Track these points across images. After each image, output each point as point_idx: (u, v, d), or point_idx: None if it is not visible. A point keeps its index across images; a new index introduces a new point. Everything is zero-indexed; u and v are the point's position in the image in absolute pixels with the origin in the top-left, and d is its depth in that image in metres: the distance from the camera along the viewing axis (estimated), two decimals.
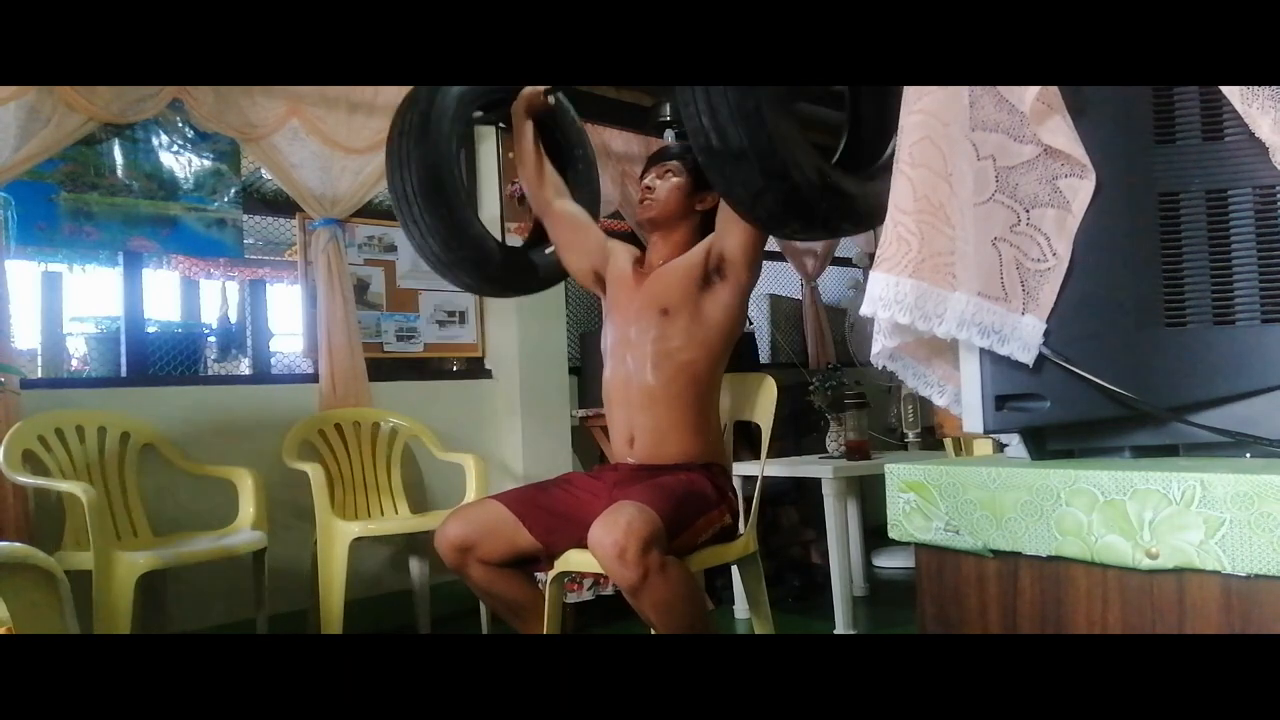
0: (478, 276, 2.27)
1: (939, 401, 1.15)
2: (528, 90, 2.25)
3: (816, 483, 3.01)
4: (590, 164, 2.51)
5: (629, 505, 1.74)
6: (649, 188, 2.14)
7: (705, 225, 2.14)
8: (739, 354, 2.20)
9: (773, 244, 3.75)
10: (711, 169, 1.55)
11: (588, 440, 3.78)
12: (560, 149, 2.39)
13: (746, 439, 3.20)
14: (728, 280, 2.04)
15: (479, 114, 2.36)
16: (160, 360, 3.95)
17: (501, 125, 3.66)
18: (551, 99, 2.29)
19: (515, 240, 3.69)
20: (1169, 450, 1.02)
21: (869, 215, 1.68)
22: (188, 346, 4.30)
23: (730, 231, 1.98)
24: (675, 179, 2.12)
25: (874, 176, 1.73)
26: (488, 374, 3.76)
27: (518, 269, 2.37)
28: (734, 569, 2.66)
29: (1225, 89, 0.91)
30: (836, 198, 1.58)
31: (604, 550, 1.69)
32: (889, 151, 1.81)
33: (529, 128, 2.27)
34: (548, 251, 2.37)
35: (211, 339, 4.92)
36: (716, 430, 2.14)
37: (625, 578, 1.68)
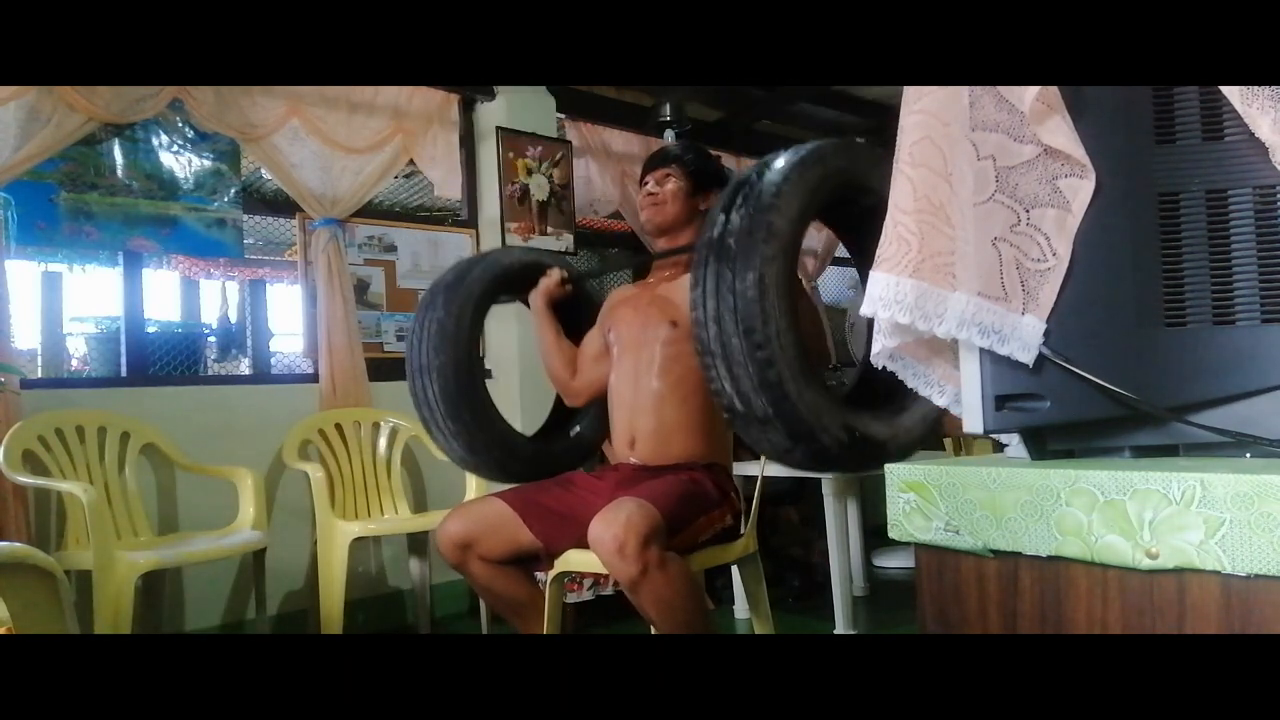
0: (500, 473, 2.28)
1: (939, 401, 1.15)
2: (544, 283, 2.26)
3: (816, 483, 3.01)
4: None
5: (629, 501, 1.74)
6: (651, 193, 2.15)
7: None
8: None
9: None
10: (738, 428, 1.54)
11: None
12: (581, 314, 2.39)
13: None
14: None
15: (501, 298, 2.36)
16: (160, 360, 3.95)
17: (503, 126, 3.69)
18: (569, 286, 2.29)
19: (515, 240, 3.70)
20: (1169, 450, 1.02)
21: (904, 450, 1.62)
22: (188, 346, 4.31)
23: None
24: (676, 183, 2.13)
25: (902, 412, 1.64)
26: (488, 374, 3.76)
27: (539, 459, 2.35)
28: (734, 569, 2.66)
29: (1225, 89, 0.91)
30: (867, 447, 1.53)
31: (604, 545, 1.69)
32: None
33: (549, 318, 2.27)
34: (573, 434, 2.41)
35: (211, 339, 4.92)
36: (721, 433, 2.14)
37: (624, 572, 1.69)
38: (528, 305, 2.31)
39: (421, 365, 2.07)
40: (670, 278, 2.17)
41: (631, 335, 2.13)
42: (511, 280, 2.28)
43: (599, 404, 2.30)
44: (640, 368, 2.09)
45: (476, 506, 2.03)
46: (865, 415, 1.54)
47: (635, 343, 2.12)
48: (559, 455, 2.39)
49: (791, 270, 1.47)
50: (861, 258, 1.90)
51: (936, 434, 3.81)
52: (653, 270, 2.27)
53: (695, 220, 2.14)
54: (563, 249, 3.85)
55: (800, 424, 1.42)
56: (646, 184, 2.17)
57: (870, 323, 1.08)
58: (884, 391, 1.64)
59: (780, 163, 1.49)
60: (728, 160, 4.32)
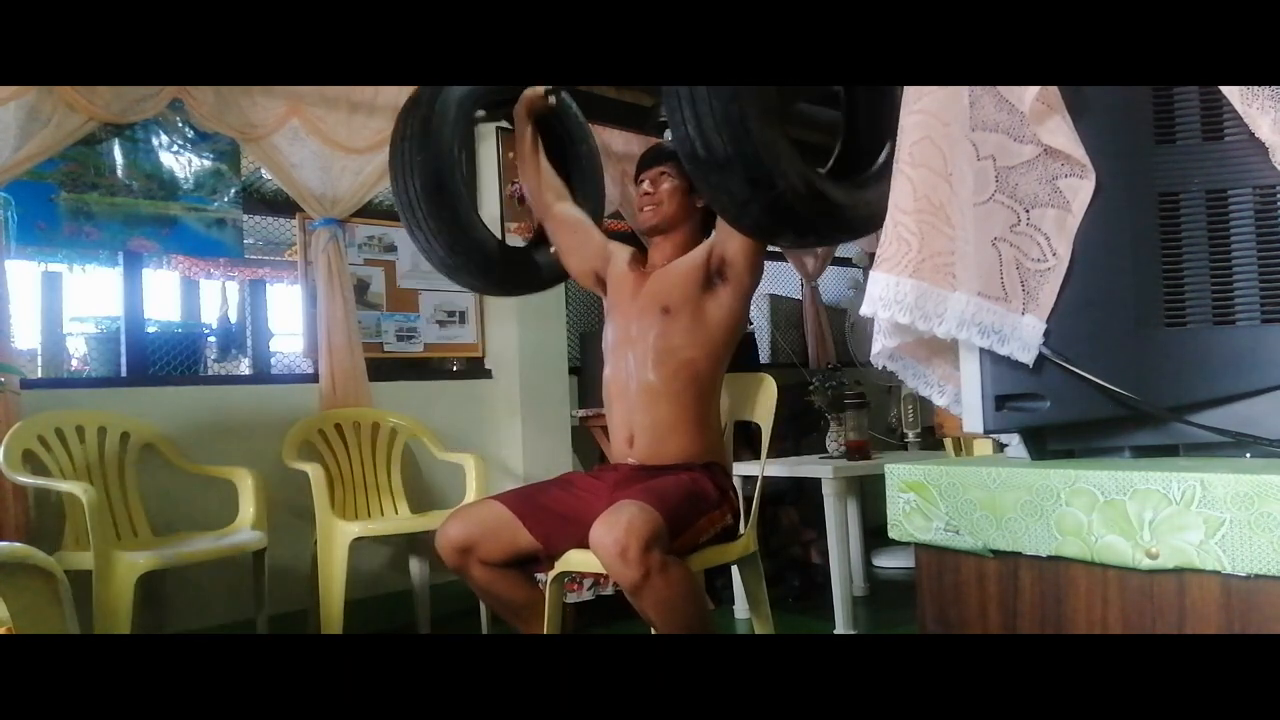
0: (482, 279, 2.29)
1: (939, 401, 1.15)
2: (529, 92, 2.25)
3: (816, 483, 3.01)
4: (595, 164, 2.52)
5: (630, 504, 1.74)
6: (648, 193, 2.14)
7: (706, 221, 2.14)
8: (739, 354, 2.21)
9: None
10: (698, 177, 1.53)
11: (588, 440, 3.78)
12: (564, 148, 2.39)
13: (746, 439, 3.20)
14: (729, 283, 2.04)
15: (481, 114, 2.36)
16: (160, 360, 3.95)
17: (503, 125, 3.69)
18: (553, 99, 2.28)
19: (516, 240, 3.70)
20: (1169, 450, 1.02)
21: (861, 224, 1.64)
22: (188, 346, 4.31)
23: (732, 234, 1.97)
24: (672, 181, 2.12)
25: (866, 185, 1.67)
26: (488, 374, 3.76)
27: (522, 270, 2.37)
28: (734, 569, 2.66)
29: (1225, 89, 0.91)
30: (825, 206, 1.55)
31: (605, 550, 1.69)
32: (882, 159, 1.77)
33: (530, 130, 2.27)
34: (551, 251, 2.38)
35: (211, 339, 4.93)
36: (717, 430, 2.14)
37: (627, 577, 1.68)
38: (511, 123, 2.31)
39: (404, 164, 2.08)
40: (665, 262, 2.15)
41: (626, 326, 2.12)
42: (495, 91, 2.27)
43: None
44: (635, 362, 2.08)
45: (475, 510, 2.03)
46: (827, 179, 1.54)
47: (629, 336, 2.11)
48: (540, 267, 2.39)
49: None
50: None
51: (935, 434, 3.81)
52: (650, 252, 2.25)
53: (691, 218, 2.14)
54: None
55: (759, 166, 1.42)
56: (642, 183, 2.16)
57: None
58: (850, 166, 1.68)
59: None
60: None
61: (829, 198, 1.55)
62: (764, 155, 1.42)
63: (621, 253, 2.26)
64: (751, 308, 3.16)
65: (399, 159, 2.09)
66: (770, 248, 2.21)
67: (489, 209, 3.75)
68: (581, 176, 2.44)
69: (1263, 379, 0.96)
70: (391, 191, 2.13)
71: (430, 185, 2.07)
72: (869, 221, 1.61)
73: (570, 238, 2.28)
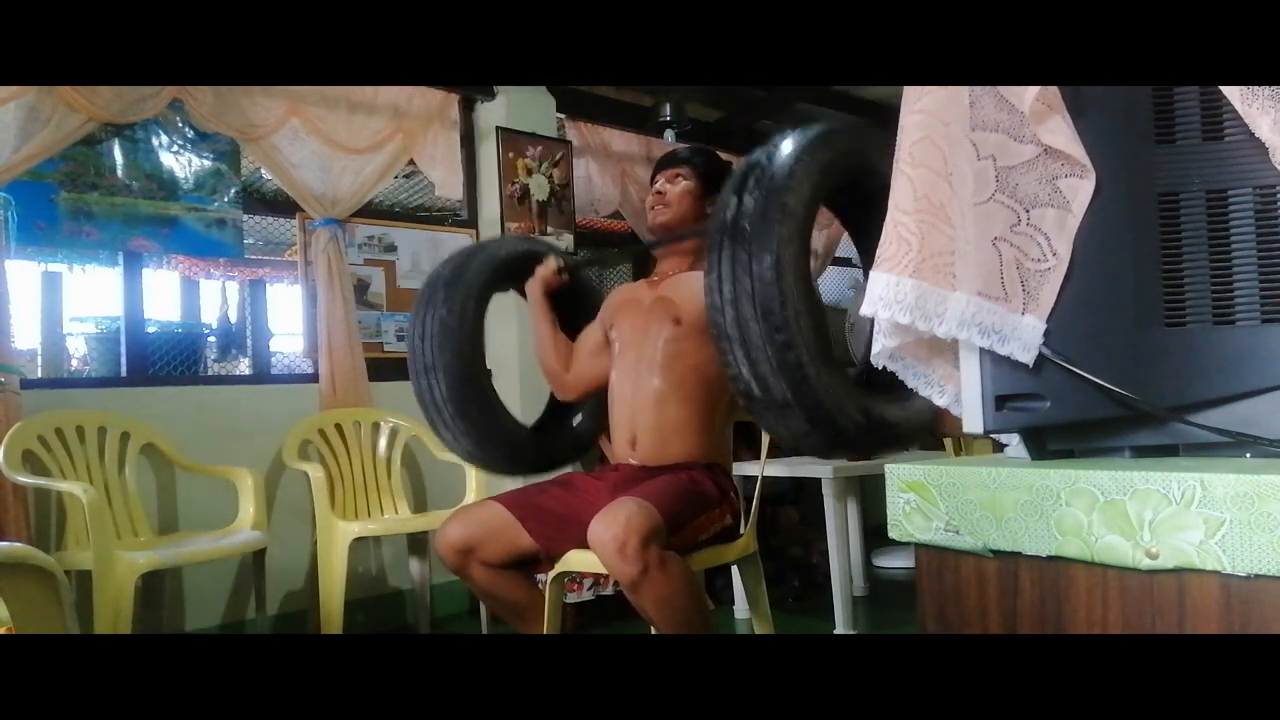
0: (510, 466, 2.29)
1: (939, 401, 1.15)
2: (540, 272, 2.24)
3: (816, 483, 3.01)
4: (590, 284, 2.52)
5: (629, 501, 1.74)
6: (660, 193, 2.15)
7: None
8: None
9: None
10: (754, 413, 1.53)
11: None
12: (577, 307, 2.39)
13: (747, 439, 3.21)
14: None
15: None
16: (160, 360, 3.95)
17: (503, 126, 3.69)
18: (565, 275, 2.28)
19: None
20: (1169, 450, 1.02)
21: (913, 435, 1.64)
22: (188, 346, 4.30)
23: None
24: (685, 183, 2.13)
25: (914, 395, 1.68)
26: (488, 374, 3.75)
27: (548, 452, 2.35)
28: (734, 569, 2.66)
29: (1225, 89, 0.91)
30: (883, 431, 1.54)
31: (604, 545, 1.69)
32: None
33: (546, 309, 2.26)
34: (575, 424, 2.40)
35: (211, 339, 4.92)
36: (721, 432, 2.14)
37: (625, 572, 1.68)
38: (524, 295, 2.30)
39: (426, 364, 2.05)
40: (673, 275, 2.16)
41: (634, 333, 2.13)
42: (508, 271, 2.26)
43: (599, 394, 2.29)
44: (642, 366, 2.09)
45: (475, 511, 2.03)
46: (879, 398, 1.54)
47: (637, 341, 2.12)
48: (564, 446, 2.39)
49: (806, 253, 1.46)
50: (865, 241, 1.91)
51: (936, 433, 3.82)
52: (655, 267, 2.27)
53: (702, 221, 2.14)
54: (563, 249, 3.85)
55: (819, 407, 1.41)
56: (656, 182, 2.18)
57: (871, 321, 1.08)
58: (893, 374, 1.66)
59: (790, 144, 1.49)
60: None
61: (885, 421, 1.53)
62: (823, 398, 1.40)
63: (614, 293, 2.29)
64: None
65: (419, 359, 2.07)
66: None
67: (489, 209, 3.75)
68: (586, 295, 2.43)
69: (1263, 379, 0.96)
70: (413, 389, 2.10)
71: (455, 386, 2.05)
72: (920, 430, 1.63)
73: (591, 361, 2.26)
